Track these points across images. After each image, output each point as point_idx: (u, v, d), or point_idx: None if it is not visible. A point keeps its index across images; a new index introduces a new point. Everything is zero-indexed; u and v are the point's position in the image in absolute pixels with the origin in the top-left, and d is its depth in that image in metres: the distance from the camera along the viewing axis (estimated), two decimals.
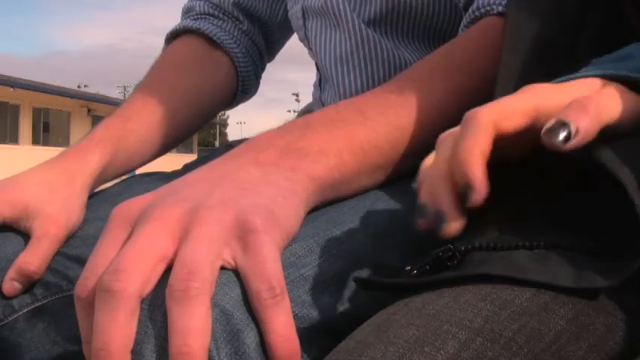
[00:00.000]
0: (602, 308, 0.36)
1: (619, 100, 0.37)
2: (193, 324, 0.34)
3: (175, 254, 0.37)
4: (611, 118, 0.36)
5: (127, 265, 0.36)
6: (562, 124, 0.35)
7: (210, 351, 0.35)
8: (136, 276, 0.36)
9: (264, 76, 0.91)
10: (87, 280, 0.38)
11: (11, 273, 0.59)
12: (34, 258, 0.59)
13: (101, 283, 0.36)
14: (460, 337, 0.33)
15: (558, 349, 0.34)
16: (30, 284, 0.60)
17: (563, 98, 0.37)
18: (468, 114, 0.37)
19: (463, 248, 0.37)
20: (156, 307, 0.36)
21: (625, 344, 0.36)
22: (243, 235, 0.38)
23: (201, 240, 0.37)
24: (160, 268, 0.37)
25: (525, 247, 0.37)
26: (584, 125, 0.35)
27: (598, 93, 0.37)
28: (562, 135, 0.35)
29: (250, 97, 0.90)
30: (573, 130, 0.34)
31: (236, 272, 0.38)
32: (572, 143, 0.34)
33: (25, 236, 0.61)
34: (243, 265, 0.37)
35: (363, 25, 0.65)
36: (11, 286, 0.59)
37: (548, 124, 0.35)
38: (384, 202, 0.50)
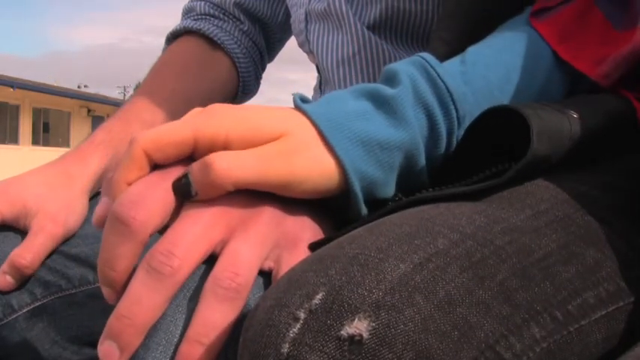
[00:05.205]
0: (593, 244, 0.38)
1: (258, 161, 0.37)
2: (220, 321, 0.35)
3: (223, 241, 0.37)
4: (239, 179, 0.37)
5: (181, 250, 0.36)
6: (186, 179, 0.37)
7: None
8: (189, 266, 0.36)
9: (264, 76, 0.91)
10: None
11: (4, 266, 0.59)
12: (26, 252, 0.59)
13: (152, 260, 0.35)
14: (451, 238, 0.34)
15: (546, 267, 0.35)
16: (23, 280, 0.61)
17: (222, 127, 0.38)
18: (131, 139, 0.38)
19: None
20: (189, 300, 0.37)
21: (611, 280, 0.37)
22: (287, 245, 0.39)
23: (253, 242, 0.37)
24: (208, 254, 0.37)
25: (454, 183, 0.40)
26: (203, 186, 0.37)
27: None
28: (188, 189, 0.37)
29: (251, 97, 0.91)
30: (193, 190, 0.37)
31: (264, 278, 0.38)
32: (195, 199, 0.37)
33: (24, 235, 0.61)
34: (277, 274, 0.38)
35: (364, 29, 0.65)
36: (4, 279, 0.59)
37: (175, 180, 0.37)
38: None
